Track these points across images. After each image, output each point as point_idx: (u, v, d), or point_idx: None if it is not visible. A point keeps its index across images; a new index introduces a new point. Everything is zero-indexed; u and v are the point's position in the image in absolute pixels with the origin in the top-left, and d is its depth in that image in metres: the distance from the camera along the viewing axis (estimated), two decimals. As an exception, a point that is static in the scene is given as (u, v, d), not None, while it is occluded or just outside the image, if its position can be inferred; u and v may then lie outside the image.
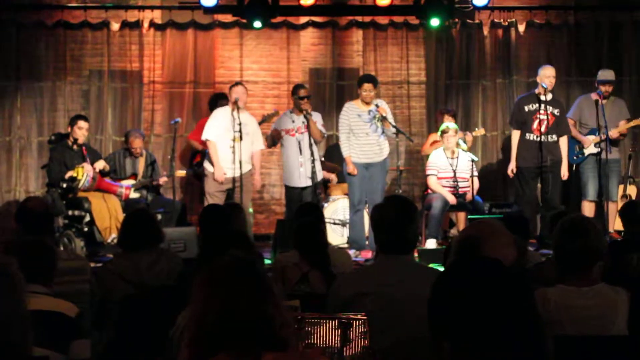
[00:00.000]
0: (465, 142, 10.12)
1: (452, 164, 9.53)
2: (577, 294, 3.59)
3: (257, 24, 10.01)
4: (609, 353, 3.43)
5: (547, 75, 9.40)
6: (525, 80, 11.31)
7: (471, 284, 1.93)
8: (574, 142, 9.82)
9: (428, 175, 9.62)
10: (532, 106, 9.37)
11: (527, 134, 9.40)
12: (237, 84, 9.49)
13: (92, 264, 7.57)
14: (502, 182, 11.22)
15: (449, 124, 9.86)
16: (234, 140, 8.97)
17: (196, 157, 10.30)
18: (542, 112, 9.29)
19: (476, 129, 10.71)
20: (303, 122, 9.17)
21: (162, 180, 9.75)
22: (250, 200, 9.61)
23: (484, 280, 1.94)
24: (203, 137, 9.29)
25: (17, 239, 4.56)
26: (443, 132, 9.71)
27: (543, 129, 9.28)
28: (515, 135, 9.54)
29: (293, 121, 9.37)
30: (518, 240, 4.11)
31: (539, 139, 9.23)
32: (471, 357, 1.89)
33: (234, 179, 9.01)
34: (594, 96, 9.72)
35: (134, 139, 9.78)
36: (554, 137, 9.39)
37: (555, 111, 9.37)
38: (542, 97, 9.34)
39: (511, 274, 1.97)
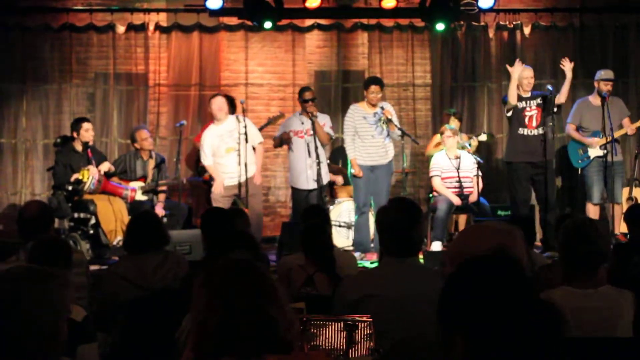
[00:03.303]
0: (471, 145, 10.12)
1: (455, 164, 9.53)
2: (582, 296, 3.59)
3: (268, 24, 9.99)
4: (613, 355, 3.42)
5: (524, 76, 9.42)
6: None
7: (488, 278, 1.95)
8: (577, 146, 9.81)
9: (432, 176, 9.61)
10: (519, 105, 9.39)
11: (521, 129, 9.39)
12: (216, 95, 9.52)
13: (98, 267, 7.64)
14: (507, 185, 11.20)
15: (447, 125, 9.89)
16: (238, 143, 8.98)
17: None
18: (528, 109, 9.36)
19: (482, 133, 10.71)
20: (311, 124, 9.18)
21: (162, 190, 9.75)
22: (260, 203, 9.57)
23: (501, 275, 1.95)
24: (202, 163, 9.42)
25: (36, 240, 4.56)
26: (441, 133, 9.74)
27: (535, 123, 9.32)
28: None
29: (302, 123, 9.36)
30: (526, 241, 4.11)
31: (533, 132, 9.29)
32: (485, 352, 1.89)
33: (239, 184, 9.00)
34: (592, 99, 9.71)
35: (139, 132, 9.74)
36: (544, 129, 9.36)
37: (539, 100, 9.38)
38: (525, 95, 9.40)
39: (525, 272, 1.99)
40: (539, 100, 9.36)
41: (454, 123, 10.47)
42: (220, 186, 9.17)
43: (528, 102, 9.39)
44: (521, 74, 9.45)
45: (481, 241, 2.75)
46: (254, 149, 9.29)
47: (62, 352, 2.54)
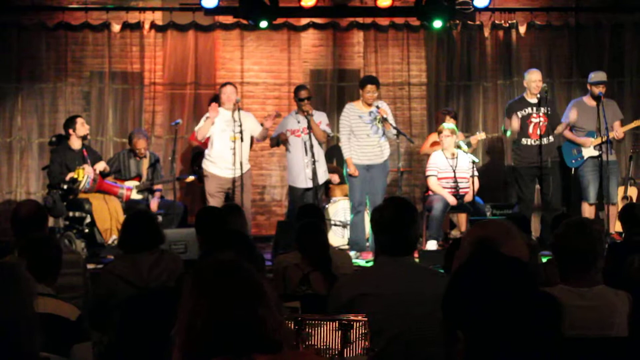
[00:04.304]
0: (470, 144, 10.13)
1: (452, 164, 9.54)
2: (576, 295, 3.61)
3: (264, 23, 9.98)
4: (609, 354, 3.43)
5: (533, 80, 9.45)
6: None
7: (490, 275, 1.98)
8: (571, 146, 9.81)
9: (428, 176, 9.62)
10: (525, 111, 9.42)
11: (524, 139, 9.45)
12: (227, 84, 9.53)
13: (93, 266, 7.63)
14: (503, 184, 11.22)
15: (445, 124, 9.89)
16: (234, 140, 8.98)
17: (197, 159, 10.28)
18: (535, 115, 9.36)
19: (477, 133, 10.69)
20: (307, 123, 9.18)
21: (157, 189, 9.73)
22: (250, 200, 9.60)
23: (502, 272, 1.99)
24: (196, 128, 9.39)
25: (25, 238, 4.56)
26: (439, 132, 9.74)
27: (539, 132, 9.33)
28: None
29: (298, 122, 9.36)
30: (529, 241, 4.13)
31: (537, 142, 9.29)
32: (486, 346, 1.91)
33: (234, 180, 9.02)
34: (586, 99, 9.71)
35: (138, 140, 9.75)
36: (551, 138, 9.43)
37: (547, 111, 9.41)
38: (532, 101, 9.41)
39: (530, 271, 2.02)
40: (547, 110, 9.35)
41: (449, 122, 10.47)
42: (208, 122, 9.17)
43: (534, 108, 9.37)
44: (529, 77, 9.49)
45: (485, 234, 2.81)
46: (252, 142, 9.36)
47: (40, 345, 2.54)
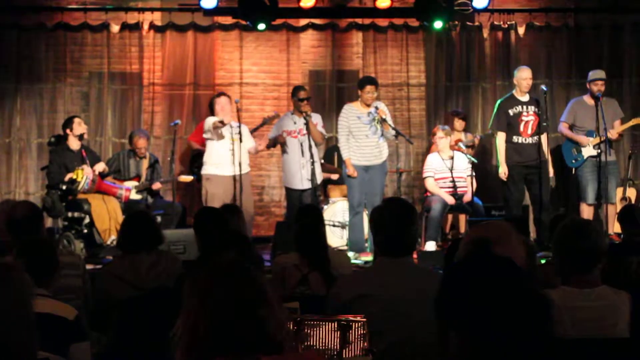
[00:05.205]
0: (474, 145, 10.12)
1: (448, 165, 9.55)
2: (579, 296, 3.60)
3: (261, 26, 9.98)
4: (610, 356, 3.44)
5: (523, 78, 9.39)
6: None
7: (482, 275, 1.99)
8: (571, 146, 9.79)
9: (425, 177, 9.64)
10: (516, 109, 9.38)
11: (515, 137, 9.35)
12: (221, 94, 9.53)
13: (92, 266, 7.62)
14: (501, 184, 11.20)
15: (440, 126, 9.91)
16: (232, 142, 8.99)
17: (196, 159, 10.27)
18: (525, 114, 9.33)
19: (474, 137, 10.67)
20: (304, 124, 9.16)
21: (156, 186, 9.72)
22: (251, 201, 9.59)
23: (495, 272, 1.99)
24: (205, 136, 9.34)
25: (20, 239, 4.54)
26: (433, 134, 9.76)
27: (530, 130, 9.30)
28: (501, 137, 9.48)
29: (295, 123, 9.37)
30: (527, 242, 4.14)
31: (527, 141, 9.26)
32: (478, 346, 1.91)
33: (234, 178, 9.01)
34: (586, 98, 9.70)
35: (138, 139, 9.78)
36: (539, 137, 9.37)
37: (537, 110, 9.37)
38: (522, 99, 9.37)
39: (524, 271, 2.03)
40: (537, 110, 9.30)
41: (458, 123, 10.49)
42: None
43: (525, 107, 9.33)
44: (519, 74, 9.44)
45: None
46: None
47: (38, 345, 2.54)
